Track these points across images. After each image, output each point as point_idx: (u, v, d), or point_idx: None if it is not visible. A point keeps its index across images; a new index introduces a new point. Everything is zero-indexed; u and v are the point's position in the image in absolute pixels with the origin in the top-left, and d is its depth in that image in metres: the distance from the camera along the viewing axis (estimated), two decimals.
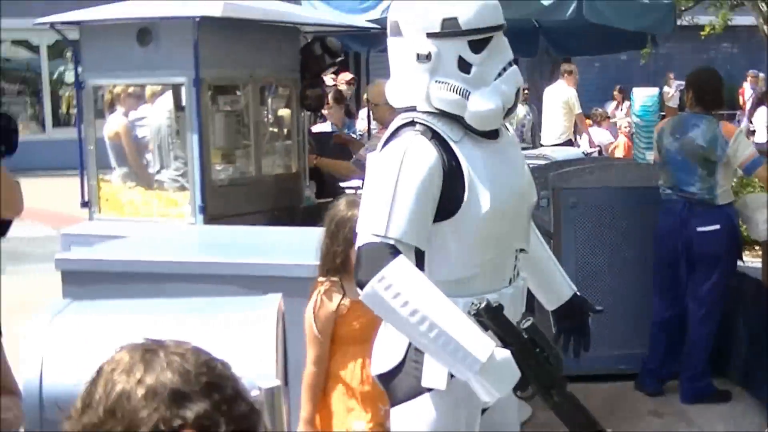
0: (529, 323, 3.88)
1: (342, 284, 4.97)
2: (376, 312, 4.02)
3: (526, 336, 3.85)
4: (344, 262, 4.93)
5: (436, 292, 3.82)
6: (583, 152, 17.73)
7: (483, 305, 3.75)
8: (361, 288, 3.89)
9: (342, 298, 4.96)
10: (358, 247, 3.96)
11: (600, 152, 19.33)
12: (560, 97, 18.63)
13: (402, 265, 3.82)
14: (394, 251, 3.85)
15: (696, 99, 8.73)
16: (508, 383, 3.78)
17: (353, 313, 4.94)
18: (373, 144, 9.63)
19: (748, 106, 26.52)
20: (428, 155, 3.98)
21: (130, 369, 2.12)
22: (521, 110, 18.00)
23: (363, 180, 4.18)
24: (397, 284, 3.78)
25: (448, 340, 3.74)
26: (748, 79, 26.48)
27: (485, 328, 3.81)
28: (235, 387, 2.16)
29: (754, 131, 22.96)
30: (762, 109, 22.55)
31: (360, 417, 4.99)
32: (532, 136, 19.46)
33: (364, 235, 3.94)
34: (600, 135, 20.70)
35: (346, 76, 13.68)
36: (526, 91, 19.44)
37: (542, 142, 18.89)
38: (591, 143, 19.80)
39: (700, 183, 8.39)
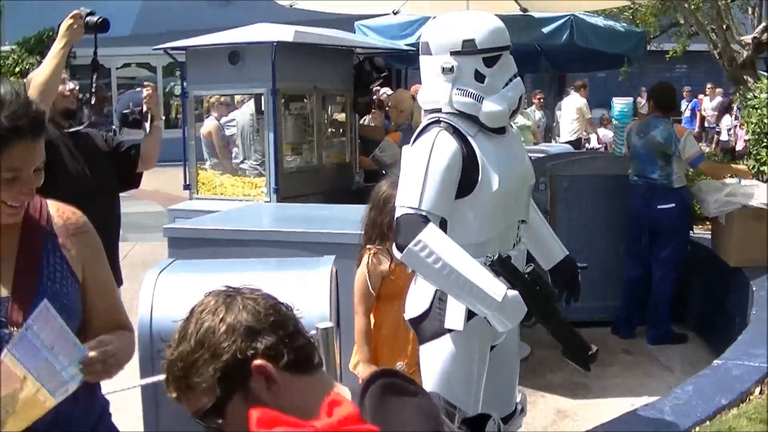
0: (530, 269, 4.06)
1: (388, 250, 4.92)
2: (413, 268, 4.08)
3: (528, 278, 3.98)
4: (389, 230, 4.87)
5: (460, 251, 3.88)
6: (592, 148, 18.00)
7: (496, 257, 3.89)
8: (400, 250, 3.92)
9: (391, 262, 4.92)
10: (396, 217, 4.00)
11: (606, 148, 19.73)
12: (574, 105, 19.23)
13: (433, 231, 3.88)
14: (426, 220, 3.90)
15: (655, 106, 8.95)
16: (518, 316, 3.88)
17: (397, 272, 4.90)
18: (384, 146, 9.63)
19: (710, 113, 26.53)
20: (451, 146, 4.02)
21: (215, 310, 2.14)
22: (538, 114, 17.91)
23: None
24: (430, 246, 3.84)
25: (472, 287, 3.83)
26: (707, 90, 26.32)
27: (497, 275, 3.90)
28: (295, 325, 2.18)
29: (719, 132, 22.95)
30: (726, 117, 22.54)
31: (401, 357, 4.96)
32: (544, 134, 19.59)
33: (402, 208, 3.98)
34: (605, 134, 20.94)
35: (388, 90, 13.67)
36: (541, 99, 19.56)
37: (560, 139, 19.13)
38: (599, 141, 20.18)
39: (660, 171, 8.60)
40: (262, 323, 2.11)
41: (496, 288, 3.83)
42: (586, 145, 19.24)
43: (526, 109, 16.24)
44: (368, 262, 4.98)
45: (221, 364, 2.09)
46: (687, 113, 28.75)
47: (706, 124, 26.20)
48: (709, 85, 26.22)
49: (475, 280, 3.83)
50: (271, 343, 2.10)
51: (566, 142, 18.66)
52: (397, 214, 4.01)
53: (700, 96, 28.00)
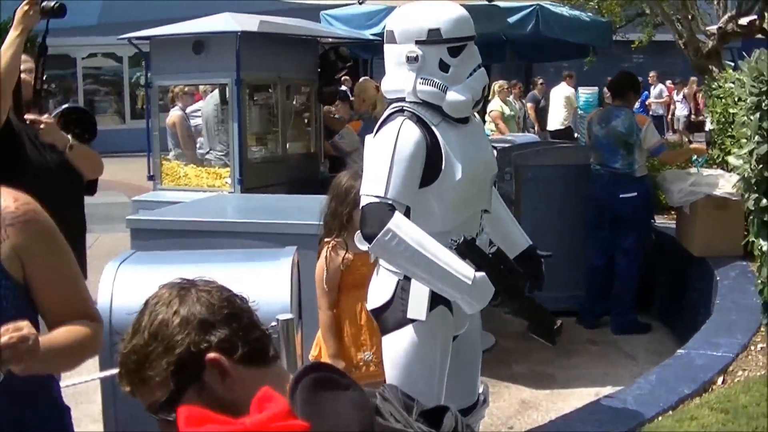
0: (494, 249, 4.13)
1: (345, 241, 4.92)
2: (384, 259, 4.07)
3: (493, 258, 4.00)
4: (348, 221, 4.89)
5: (428, 238, 3.87)
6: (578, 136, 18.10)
7: (461, 240, 3.87)
8: (368, 240, 3.91)
9: (346, 253, 4.91)
10: (363, 206, 3.97)
11: None
12: (563, 93, 19.48)
13: (400, 220, 3.86)
14: (392, 209, 3.88)
15: (615, 95, 9.02)
16: (486, 296, 3.88)
17: (356, 263, 4.89)
18: (343, 133, 9.63)
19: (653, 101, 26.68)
20: (415, 134, 4.00)
21: (168, 302, 2.12)
22: (517, 105, 17.89)
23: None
24: (399, 235, 3.82)
25: (442, 272, 3.84)
26: (649, 79, 26.33)
27: (463, 257, 3.89)
28: (250, 317, 2.16)
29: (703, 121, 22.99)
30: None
31: (367, 348, 4.96)
32: (523, 123, 19.46)
33: (367, 197, 3.96)
34: None
35: (348, 81, 13.67)
36: (521, 89, 19.59)
37: (548, 128, 19.20)
38: None
39: (622, 160, 8.61)
40: (216, 316, 2.09)
41: (465, 271, 3.83)
42: (575, 134, 19.22)
43: (492, 99, 16.20)
44: (326, 256, 4.96)
45: (174, 358, 2.08)
46: (636, 104, 28.71)
47: (651, 113, 26.14)
48: (651, 74, 26.29)
49: (444, 265, 3.84)
50: (224, 336, 2.08)
51: (556, 131, 18.77)
52: (363, 203, 3.98)
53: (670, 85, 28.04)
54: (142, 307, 2.16)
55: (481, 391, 4.63)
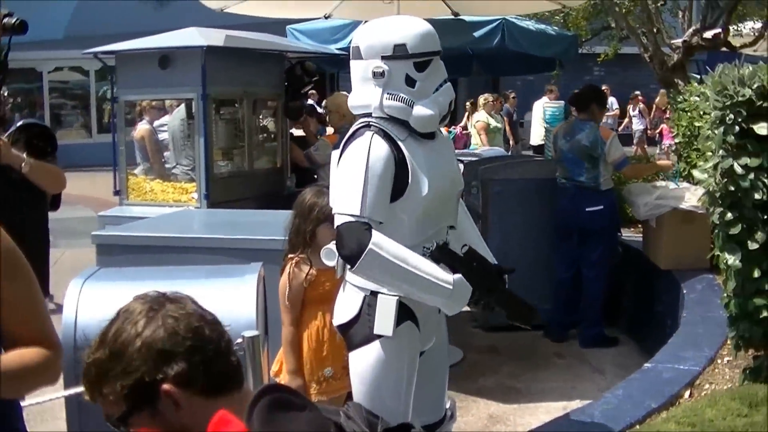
0: (466, 248, 4.13)
1: (309, 258, 4.92)
2: (367, 277, 4.04)
3: (466, 258, 4.05)
4: (312, 237, 4.90)
5: (406, 251, 3.91)
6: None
7: (434, 246, 3.97)
8: (348, 260, 3.92)
9: (310, 269, 4.91)
10: (338, 226, 3.95)
11: None
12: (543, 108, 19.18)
13: (379, 238, 3.87)
14: (368, 227, 3.88)
15: (579, 109, 9.06)
16: (465, 297, 3.96)
17: (319, 279, 4.90)
18: (319, 145, 9.63)
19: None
20: (385, 150, 3.99)
21: (136, 321, 2.12)
22: (498, 119, 17.64)
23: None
24: (381, 254, 3.84)
25: (423, 282, 3.89)
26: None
27: (437, 262, 3.96)
28: (217, 348, 2.15)
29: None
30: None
31: (328, 363, 4.95)
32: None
33: (342, 216, 3.94)
34: None
35: (314, 96, 13.66)
36: (502, 103, 19.48)
37: (531, 142, 19.11)
38: None
39: (587, 174, 8.64)
40: (178, 347, 2.09)
41: (445, 277, 3.89)
42: None
43: (478, 111, 16.16)
44: (289, 272, 4.95)
45: (130, 382, 2.08)
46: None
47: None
48: (604, 87, 26.34)
49: (426, 276, 3.88)
50: (182, 370, 2.08)
51: (536, 146, 18.67)
52: (338, 221, 3.96)
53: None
54: (113, 317, 2.17)
55: (448, 406, 4.63)
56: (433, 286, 3.89)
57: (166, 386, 2.05)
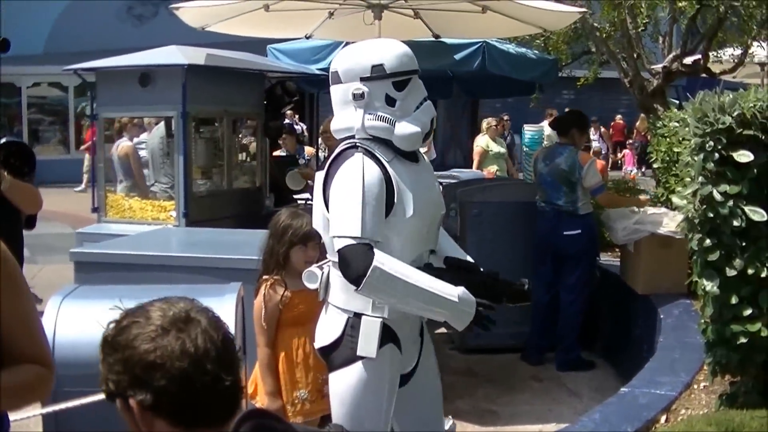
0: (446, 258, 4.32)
1: (283, 279, 4.95)
2: (373, 297, 4.03)
3: (451, 267, 4.23)
4: (285, 260, 4.95)
5: (409, 268, 3.95)
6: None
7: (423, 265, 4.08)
8: (355, 283, 3.90)
9: (285, 290, 4.93)
10: (340, 249, 3.94)
11: None
12: (545, 132, 19.18)
13: (382, 257, 3.89)
14: (370, 247, 3.89)
15: (559, 133, 9.13)
16: (471, 308, 3.96)
17: (294, 301, 4.93)
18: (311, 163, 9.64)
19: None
20: (377, 171, 4.01)
21: (142, 330, 2.12)
22: (502, 144, 17.13)
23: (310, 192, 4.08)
24: (386, 271, 3.86)
25: (432, 296, 3.92)
26: (546, 116, 26.25)
27: None
28: (202, 387, 2.10)
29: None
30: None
31: (302, 386, 4.96)
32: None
33: (343, 239, 3.94)
34: None
35: (293, 115, 13.65)
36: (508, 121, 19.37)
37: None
38: None
39: (565, 198, 8.71)
40: (155, 380, 2.06)
41: (450, 290, 3.93)
42: None
43: (482, 135, 16.05)
44: (264, 293, 4.97)
45: (106, 380, 2.08)
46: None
47: None
48: (548, 111, 26.39)
49: (432, 290, 3.92)
50: (146, 399, 2.07)
51: None
52: (339, 245, 3.95)
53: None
54: (144, 304, 2.20)
55: (447, 427, 4.63)
56: (439, 300, 3.91)
57: (132, 402, 2.07)
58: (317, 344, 4.30)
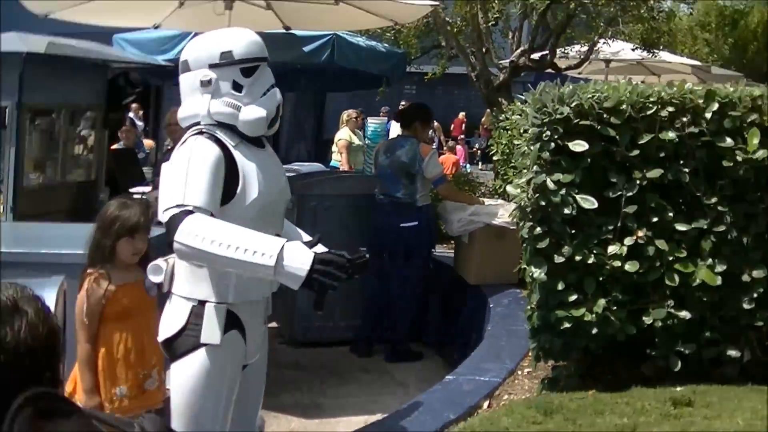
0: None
1: (108, 273, 4.89)
2: (188, 260, 3.95)
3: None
4: (111, 252, 4.88)
5: (230, 226, 3.80)
6: None
7: None
8: (171, 249, 3.85)
9: (108, 285, 4.86)
10: (165, 222, 3.86)
11: None
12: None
13: (197, 217, 3.77)
14: (188, 213, 3.79)
15: (403, 125, 9.21)
16: (305, 258, 3.70)
17: (118, 295, 4.88)
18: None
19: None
20: (211, 148, 4.01)
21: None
22: (360, 137, 16.82)
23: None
24: (197, 230, 3.71)
25: (241, 263, 3.71)
26: (381, 114, 26.12)
27: None
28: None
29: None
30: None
31: (122, 382, 4.91)
32: None
33: (167, 211, 3.84)
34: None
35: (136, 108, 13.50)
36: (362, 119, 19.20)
37: None
38: None
39: (404, 189, 8.77)
40: None
41: (271, 250, 3.67)
42: None
43: (341, 127, 15.95)
44: (87, 287, 4.87)
45: None
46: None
47: None
48: (383, 110, 26.44)
49: (249, 245, 3.69)
50: None
51: None
52: (164, 218, 3.86)
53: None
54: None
55: (258, 424, 4.67)
56: (250, 266, 3.71)
57: None
58: (160, 337, 4.25)
